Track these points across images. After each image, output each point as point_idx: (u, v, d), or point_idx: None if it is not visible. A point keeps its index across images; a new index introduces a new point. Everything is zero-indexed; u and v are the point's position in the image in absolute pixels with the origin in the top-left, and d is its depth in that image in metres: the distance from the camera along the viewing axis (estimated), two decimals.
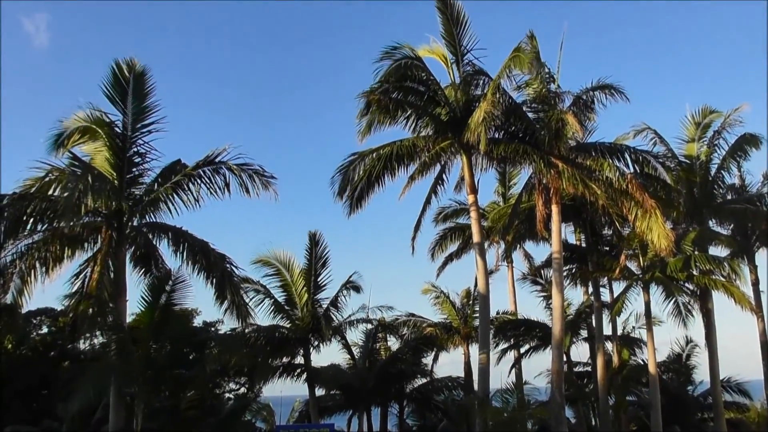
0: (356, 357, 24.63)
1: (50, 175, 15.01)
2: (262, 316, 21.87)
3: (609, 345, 24.18)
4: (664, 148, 23.26)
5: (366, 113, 18.68)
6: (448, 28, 19.14)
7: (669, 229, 17.86)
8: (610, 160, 18.60)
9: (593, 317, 23.54)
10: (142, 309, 15.95)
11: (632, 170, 19.27)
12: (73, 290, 16.10)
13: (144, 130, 16.53)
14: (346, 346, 24.49)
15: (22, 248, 15.03)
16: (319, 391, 23.34)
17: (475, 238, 19.30)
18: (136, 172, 16.72)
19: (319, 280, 22.16)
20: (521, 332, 26.29)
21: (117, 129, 16.31)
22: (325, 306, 21.98)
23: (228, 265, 16.28)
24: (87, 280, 15.88)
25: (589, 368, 26.98)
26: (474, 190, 19.24)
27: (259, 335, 21.11)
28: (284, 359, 22.16)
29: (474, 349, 25.57)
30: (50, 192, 15.16)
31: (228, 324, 21.15)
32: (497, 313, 27.64)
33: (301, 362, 22.09)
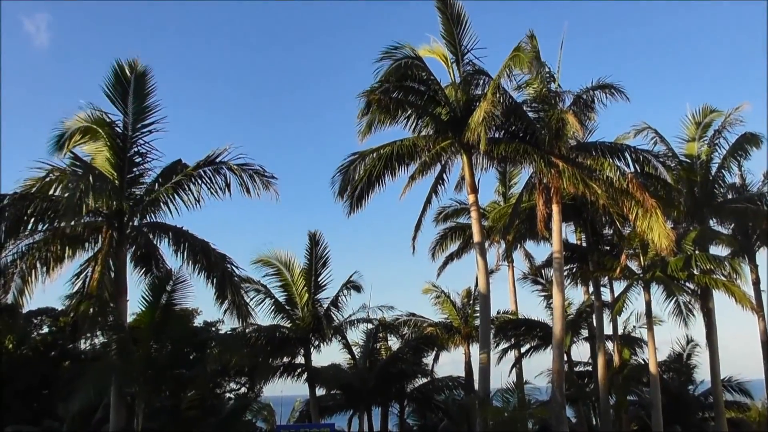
0: (357, 357, 24.63)
1: (51, 175, 15.04)
2: (263, 315, 21.91)
3: (610, 344, 24.17)
4: (664, 147, 23.25)
5: (366, 113, 18.69)
6: (448, 27, 19.14)
7: (669, 228, 17.84)
8: (611, 160, 18.60)
9: (594, 317, 23.54)
10: (143, 309, 15.96)
11: (633, 170, 19.27)
12: (74, 290, 16.15)
13: (144, 130, 16.55)
14: (347, 346, 24.50)
15: (22, 248, 15.04)
16: (320, 391, 23.36)
17: (476, 237, 19.30)
18: (137, 172, 16.73)
19: (319, 279, 22.17)
20: (522, 332, 26.29)
21: (117, 129, 16.33)
22: (325, 306, 22.00)
23: (228, 265, 16.29)
24: (88, 279, 15.90)
25: (589, 368, 26.97)
26: (474, 190, 19.24)
27: (259, 335, 21.13)
28: (285, 359, 22.18)
29: (474, 349, 25.61)
30: (51, 192, 15.18)
31: (228, 324, 21.19)
32: (498, 312, 27.65)
33: (301, 362, 22.10)
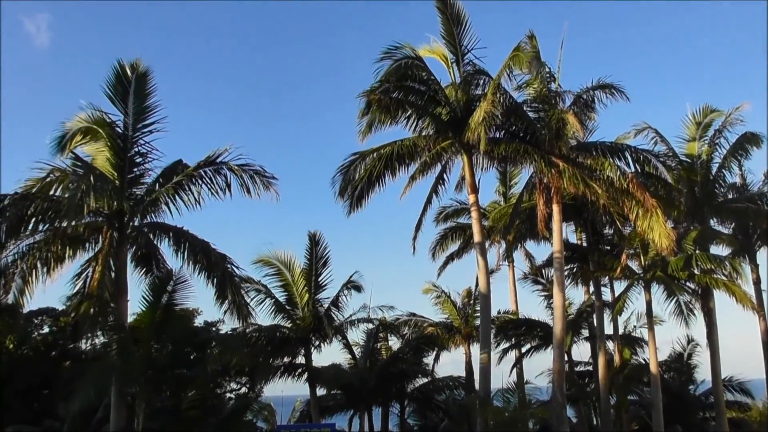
0: (357, 357, 24.64)
1: (51, 175, 15.03)
2: (263, 315, 21.92)
3: (610, 344, 24.17)
4: (664, 147, 23.25)
5: (366, 113, 18.70)
6: (448, 27, 19.15)
7: (670, 228, 17.84)
8: (611, 160, 18.60)
9: (594, 316, 23.54)
10: (143, 309, 15.96)
11: (633, 169, 19.26)
12: (75, 290, 16.18)
13: (145, 130, 16.56)
14: (347, 346, 24.51)
15: (23, 248, 15.05)
16: (320, 391, 23.36)
17: (476, 237, 19.30)
18: (137, 172, 16.74)
19: (319, 279, 22.18)
20: (522, 332, 26.29)
21: (118, 129, 16.34)
22: (326, 306, 22.01)
23: (229, 265, 16.31)
24: (88, 280, 15.92)
25: (590, 368, 26.96)
26: (475, 190, 19.24)
27: (260, 335, 21.14)
28: (285, 359, 22.18)
29: (475, 349, 25.61)
30: (52, 192, 15.19)
31: (229, 324, 21.19)
32: (498, 312, 27.65)
33: (302, 362, 22.10)
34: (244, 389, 25.46)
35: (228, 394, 25.50)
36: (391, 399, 24.90)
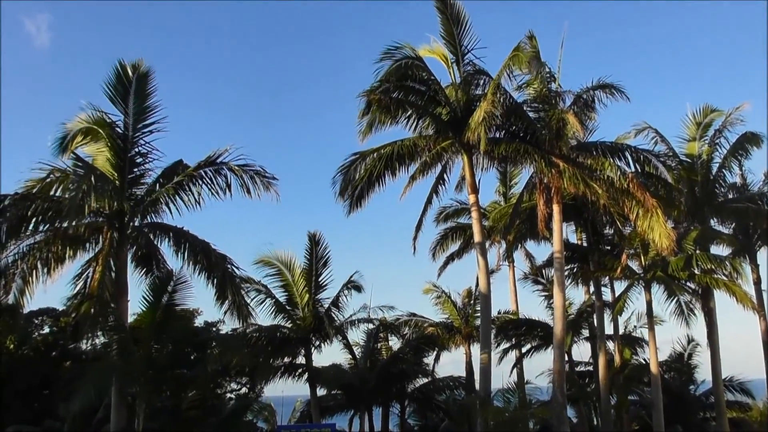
0: (358, 357, 24.64)
1: (51, 175, 15.06)
2: (264, 316, 21.92)
3: (611, 344, 24.16)
4: (665, 147, 23.25)
5: (367, 113, 18.71)
6: (447, 28, 19.15)
7: (670, 228, 17.84)
8: (611, 160, 18.60)
9: (595, 317, 23.54)
10: (144, 309, 15.96)
11: (633, 169, 19.26)
12: (75, 291, 16.17)
13: (145, 130, 16.56)
14: (348, 346, 24.50)
15: (23, 248, 15.05)
16: (321, 391, 23.34)
17: (477, 237, 19.30)
18: (138, 173, 16.74)
19: (320, 279, 22.18)
20: (523, 332, 26.28)
21: (118, 129, 16.33)
22: (326, 306, 22.00)
23: (229, 266, 16.30)
24: (89, 280, 15.91)
25: (590, 368, 26.95)
26: (475, 190, 19.24)
27: (260, 335, 21.14)
28: (285, 359, 22.18)
29: (475, 349, 25.59)
30: (52, 192, 15.21)
31: (229, 324, 21.16)
32: (499, 312, 27.64)
33: (302, 362, 22.10)
34: (244, 389, 25.46)
35: (228, 395, 25.50)
36: (392, 399, 24.90)
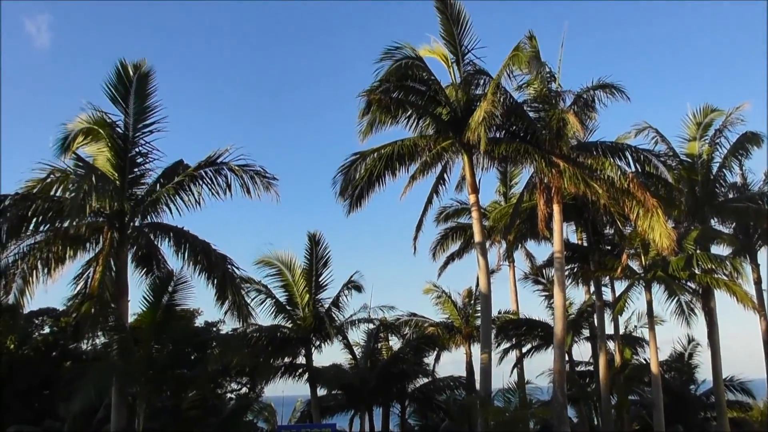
0: (358, 357, 24.64)
1: (52, 175, 15.05)
2: (264, 316, 21.93)
3: (611, 344, 24.15)
4: (665, 146, 23.24)
5: (367, 113, 18.71)
6: (447, 28, 19.15)
7: (671, 227, 17.82)
8: (612, 159, 18.58)
9: (595, 316, 23.52)
10: (144, 309, 15.98)
11: (634, 169, 19.25)
12: (76, 291, 16.17)
13: (146, 130, 16.56)
14: (348, 346, 24.50)
15: (24, 248, 15.05)
16: (321, 391, 23.35)
17: (477, 237, 19.30)
18: (138, 173, 16.74)
19: (320, 280, 22.18)
20: (523, 332, 26.26)
21: (119, 129, 16.34)
22: (326, 306, 22.01)
23: (229, 266, 16.28)
24: (89, 280, 15.91)
25: (591, 368, 26.95)
26: (475, 190, 19.24)
27: (260, 335, 21.15)
28: (286, 359, 22.18)
29: (476, 349, 25.57)
30: (52, 192, 15.20)
31: (229, 324, 21.18)
32: (499, 312, 27.62)
33: (302, 362, 22.11)
34: (244, 389, 25.46)
35: (228, 395, 25.52)
36: (392, 399, 24.89)
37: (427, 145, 19.36)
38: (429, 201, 21.49)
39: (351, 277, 22.19)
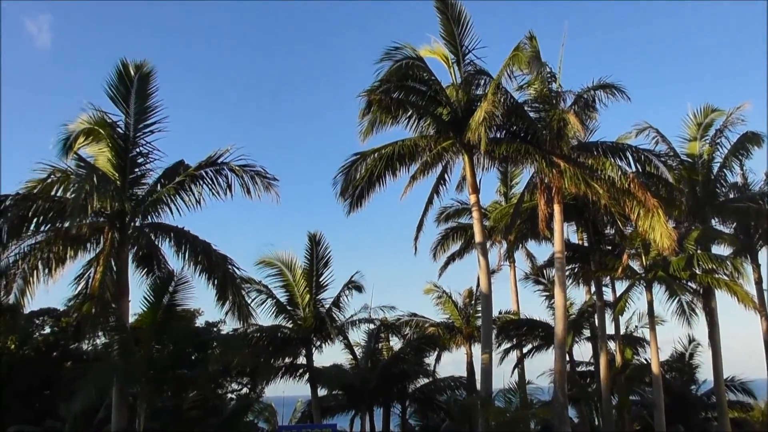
0: (359, 357, 24.64)
1: (53, 176, 15.08)
2: (265, 316, 21.95)
3: (612, 344, 24.14)
4: (666, 146, 23.23)
5: (367, 113, 18.70)
6: (448, 28, 19.15)
7: (671, 228, 17.83)
8: (612, 160, 18.58)
9: (596, 316, 23.52)
10: (145, 309, 15.98)
11: (634, 169, 19.25)
12: (76, 291, 16.16)
13: (146, 130, 16.58)
14: (349, 346, 24.50)
15: (25, 249, 15.05)
16: (322, 392, 23.34)
17: (477, 237, 19.30)
18: (139, 173, 16.74)
19: (321, 280, 22.18)
20: (524, 332, 26.25)
21: (119, 130, 16.35)
22: (327, 306, 22.00)
23: (230, 266, 16.28)
24: (90, 280, 15.90)
25: (592, 368, 26.93)
26: (476, 190, 19.24)
27: (261, 335, 21.15)
28: (286, 359, 22.18)
29: (476, 349, 25.55)
30: (53, 193, 15.21)
31: (230, 324, 21.18)
32: (500, 312, 27.59)
33: (303, 362, 22.11)
34: (245, 390, 25.46)
35: (229, 395, 25.51)
36: (393, 399, 24.88)
37: (427, 146, 19.35)
38: (429, 201, 21.49)
39: (352, 277, 22.22)
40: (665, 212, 17.83)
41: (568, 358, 25.17)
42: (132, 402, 16.16)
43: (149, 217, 16.51)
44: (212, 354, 20.22)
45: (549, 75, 18.82)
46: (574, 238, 24.36)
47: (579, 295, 28.01)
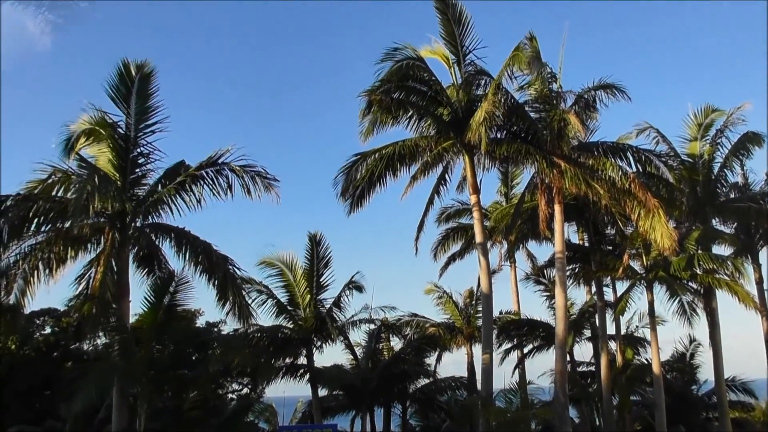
0: (359, 357, 24.64)
1: (53, 176, 15.08)
2: (265, 316, 21.94)
3: (612, 344, 24.12)
4: (666, 147, 23.23)
5: (368, 113, 18.70)
6: (448, 28, 19.16)
7: (672, 228, 17.83)
8: (613, 160, 18.59)
9: (596, 317, 23.50)
10: (145, 310, 16.00)
11: (635, 169, 19.25)
12: (77, 291, 16.16)
13: (147, 130, 16.59)
14: (349, 347, 24.50)
15: (25, 249, 15.04)
16: (322, 392, 23.33)
17: (478, 238, 19.29)
18: (139, 173, 16.75)
19: (321, 280, 22.18)
20: (524, 332, 26.22)
21: (120, 130, 16.35)
22: (328, 306, 21.99)
23: (230, 267, 16.27)
24: (90, 281, 15.89)
25: (592, 368, 26.91)
26: (476, 190, 19.24)
27: (261, 336, 21.15)
28: (287, 360, 22.18)
29: (477, 349, 25.51)
30: (54, 193, 15.21)
31: (231, 325, 21.18)
32: (500, 313, 27.56)
33: (303, 362, 22.10)
34: (245, 390, 25.44)
35: (230, 395, 25.50)
36: (393, 399, 24.88)
37: (428, 146, 19.35)
38: (430, 201, 21.50)
39: (352, 277, 22.21)
40: (666, 212, 17.83)
41: (568, 359, 25.13)
42: (132, 402, 16.16)
43: (150, 218, 16.51)
44: (213, 354, 20.21)
45: (549, 75, 18.83)
46: (575, 239, 24.38)
47: (580, 295, 28.02)
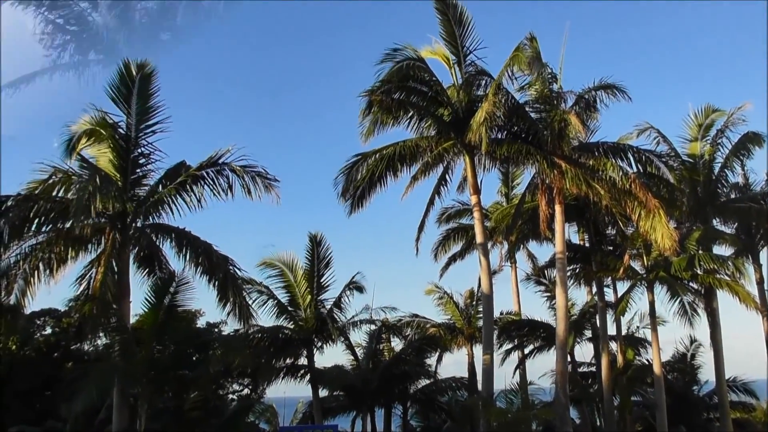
0: (360, 358, 24.63)
1: (54, 176, 15.07)
2: (266, 317, 21.89)
3: (613, 345, 24.10)
4: (667, 147, 23.23)
5: (368, 113, 18.70)
6: (449, 29, 19.17)
7: (673, 228, 17.84)
8: (613, 160, 18.59)
9: (597, 317, 23.50)
10: (146, 310, 15.99)
11: (635, 170, 19.26)
12: (78, 292, 16.16)
13: (148, 130, 16.56)
14: (350, 347, 24.50)
15: (26, 249, 15.03)
16: (323, 392, 23.33)
17: (479, 238, 19.29)
18: (140, 173, 16.73)
19: (322, 281, 22.19)
20: (525, 332, 26.20)
21: (121, 130, 16.34)
22: (328, 307, 22.00)
23: (231, 267, 16.26)
24: (91, 281, 15.88)
25: (593, 368, 26.89)
26: (477, 191, 19.24)
27: (262, 336, 21.16)
28: (288, 360, 22.19)
29: (478, 350, 25.48)
30: (54, 193, 15.21)
31: (231, 325, 21.16)
32: (501, 313, 27.49)
33: (304, 363, 22.11)
34: (246, 390, 25.43)
35: (230, 396, 25.48)
36: (394, 400, 24.88)
37: (428, 146, 19.35)
38: (431, 202, 21.50)
39: (353, 277, 22.21)
40: (666, 213, 17.83)
41: (569, 359, 25.11)
42: (133, 403, 16.15)
43: (150, 218, 16.49)
44: (213, 355, 20.16)
45: (550, 75, 18.85)
46: (576, 239, 24.35)
47: (580, 295, 27.97)
